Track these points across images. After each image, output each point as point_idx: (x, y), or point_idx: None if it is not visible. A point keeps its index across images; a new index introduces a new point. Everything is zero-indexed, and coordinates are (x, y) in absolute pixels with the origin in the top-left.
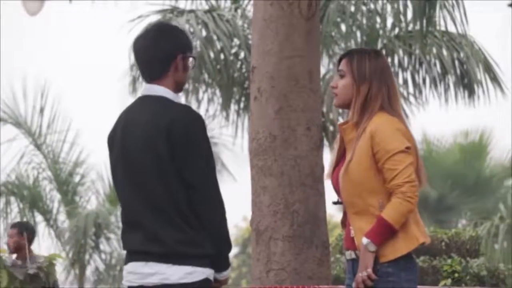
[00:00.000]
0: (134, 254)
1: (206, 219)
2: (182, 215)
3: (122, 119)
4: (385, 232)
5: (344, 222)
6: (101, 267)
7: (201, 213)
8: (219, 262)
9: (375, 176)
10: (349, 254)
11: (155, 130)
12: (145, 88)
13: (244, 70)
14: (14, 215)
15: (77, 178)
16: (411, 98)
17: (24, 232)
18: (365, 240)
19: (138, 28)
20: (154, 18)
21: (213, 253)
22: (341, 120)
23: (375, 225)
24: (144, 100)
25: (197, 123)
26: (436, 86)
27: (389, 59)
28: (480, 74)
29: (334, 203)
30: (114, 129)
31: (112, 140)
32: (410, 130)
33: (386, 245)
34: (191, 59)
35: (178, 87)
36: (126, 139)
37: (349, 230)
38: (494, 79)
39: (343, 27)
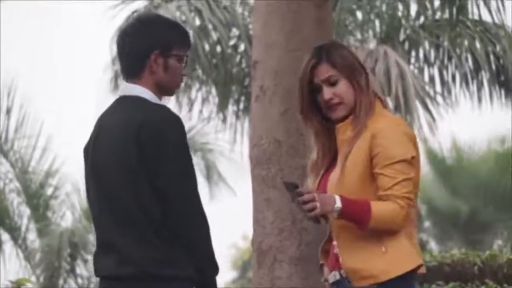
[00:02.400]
0: (106, 280)
1: (185, 236)
2: (158, 231)
3: (96, 126)
4: (357, 214)
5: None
6: None
7: (178, 229)
8: (203, 287)
9: (370, 185)
10: (333, 276)
11: (124, 135)
12: (121, 88)
13: (244, 65)
14: None
15: (49, 191)
16: (439, 98)
17: None
18: (337, 199)
19: (122, 16)
20: (141, 4)
21: (196, 276)
22: None
23: (357, 202)
24: (119, 102)
25: (170, 124)
26: (467, 84)
27: (413, 53)
28: None
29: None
30: (89, 138)
31: (87, 150)
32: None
33: (376, 264)
34: (177, 57)
35: (160, 90)
36: (97, 147)
37: (332, 247)
38: None
39: (359, 15)
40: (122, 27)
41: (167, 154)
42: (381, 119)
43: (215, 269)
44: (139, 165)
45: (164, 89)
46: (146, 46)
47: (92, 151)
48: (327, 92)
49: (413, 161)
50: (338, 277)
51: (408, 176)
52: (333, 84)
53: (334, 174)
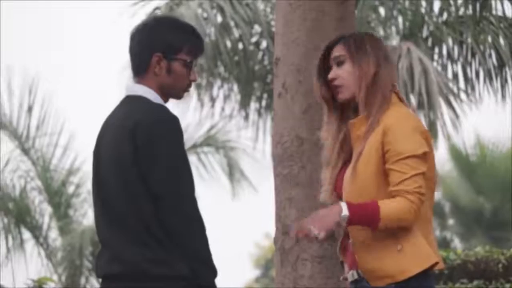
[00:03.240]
0: (104, 280)
1: (177, 238)
2: (152, 231)
3: (102, 126)
4: (366, 219)
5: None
6: None
7: (170, 228)
8: None
9: (384, 182)
10: (351, 275)
11: (121, 135)
12: (126, 88)
13: (266, 62)
14: None
15: (71, 189)
16: (462, 95)
17: None
18: (344, 206)
19: (142, 13)
20: (162, 1)
21: (192, 276)
22: None
23: (364, 205)
24: (124, 102)
25: (165, 124)
26: (491, 80)
27: (437, 49)
28: None
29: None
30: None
31: (94, 150)
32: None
33: (391, 264)
34: (182, 62)
35: (163, 92)
36: (99, 147)
37: (349, 244)
38: None
39: (382, 12)
40: (134, 28)
41: (159, 154)
42: (393, 114)
43: (211, 272)
44: (134, 165)
45: (167, 92)
46: (148, 47)
47: (95, 154)
48: (332, 72)
49: (424, 156)
50: (356, 276)
51: (419, 171)
52: (340, 64)
53: (350, 168)
